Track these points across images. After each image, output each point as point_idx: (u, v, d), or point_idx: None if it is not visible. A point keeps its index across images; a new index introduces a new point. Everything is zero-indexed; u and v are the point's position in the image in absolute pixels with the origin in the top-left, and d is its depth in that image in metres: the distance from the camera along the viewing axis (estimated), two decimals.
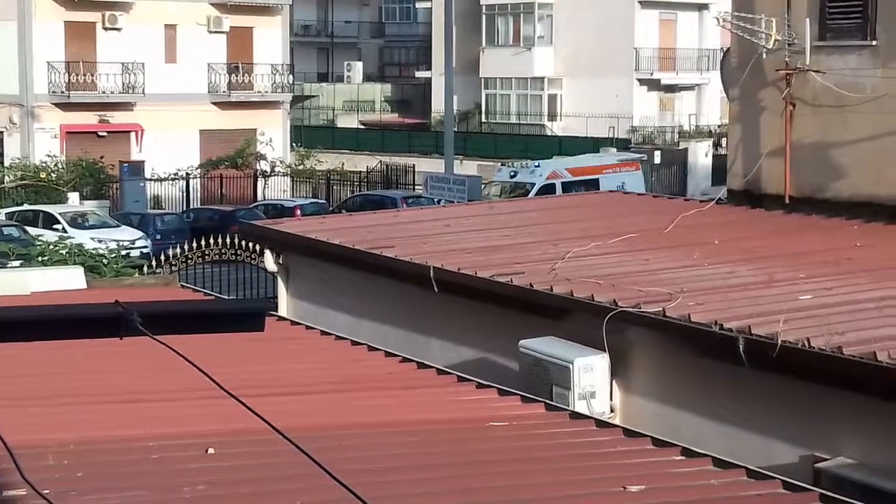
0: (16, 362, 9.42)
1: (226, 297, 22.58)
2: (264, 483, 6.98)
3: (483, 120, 68.42)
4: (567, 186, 40.18)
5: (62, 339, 3.27)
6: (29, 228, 36.35)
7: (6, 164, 47.27)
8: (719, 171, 45.46)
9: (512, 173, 42.56)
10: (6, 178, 45.95)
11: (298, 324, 12.69)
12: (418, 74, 77.32)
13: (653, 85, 66.65)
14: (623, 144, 57.74)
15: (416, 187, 49.80)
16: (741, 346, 10.46)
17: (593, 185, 39.72)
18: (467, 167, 52.51)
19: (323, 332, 12.01)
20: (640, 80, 65.92)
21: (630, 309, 11.61)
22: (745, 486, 7.30)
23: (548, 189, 39.83)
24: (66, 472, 6.99)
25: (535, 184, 41.02)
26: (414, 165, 53.80)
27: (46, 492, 6.06)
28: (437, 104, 63.53)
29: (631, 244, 15.05)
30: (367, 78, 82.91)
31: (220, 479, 7.05)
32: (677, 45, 67.15)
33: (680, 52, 67.13)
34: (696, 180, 55.45)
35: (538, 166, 42.68)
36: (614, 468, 7.63)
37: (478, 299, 13.64)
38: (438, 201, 36.13)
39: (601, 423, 8.81)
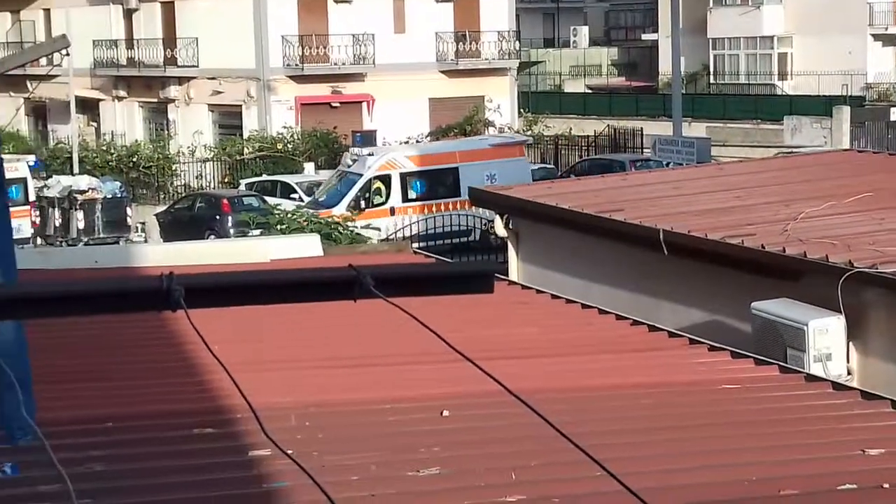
0: (256, 327, 9.74)
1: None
2: (498, 445, 7.08)
3: (711, 81, 67.39)
4: (410, 178, 34.85)
5: (298, 301, 3.38)
6: (267, 198, 37.30)
7: (245, 136, 48.59)
8: None
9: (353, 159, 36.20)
10: (245, 149, 47.26)
11: (528, 288, 12.78)
12: (644, 37, 76.53)
13: (888, 40, 64.57)
14: (857, 102, 56.15)
15: (644, 150, 49.38)
16: None
17: (448, 175, 34.78)
18: (696, 129, 51.81)
19: (553, 296, 12.07)
20: (874, 35, 63.96)
21: (867, 269, 11.36)
22: None
23: (383, 181, 34.57)
24: (308, 434, 7.21)
25: (361, 175, 34.81)
26: (642, 129, 53.32)
27: (290, 452, 6.28)
28: (665, 66, 62.77)
29: (866, 203, 14.69)
30: (594, 42, 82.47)
31: (455, 440, 7.17)
32: None
33: None
34: None
35: (370, 155, 35.85)
36: (852, 431, 7.50)
37: (708, 261, 13.52)
38: (667, 164, 35.75)
39: (838, 386, 8.66)
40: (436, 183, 34.79)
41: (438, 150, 36.87)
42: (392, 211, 34.03)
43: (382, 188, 34.44)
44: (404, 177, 34.70)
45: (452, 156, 35.49)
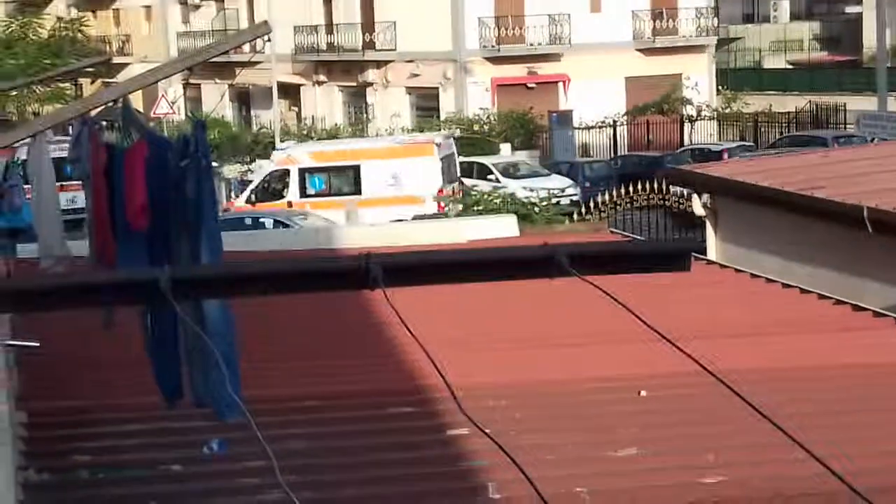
0: (451, 307, 9.82)
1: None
2: (697, 426, 7.01)
3: None
4: (309, 174, 35.37)
5: (494, 279, 3.40)
6: (465, 179, 37.51)
7: (442, 118, 48.94)
8: None
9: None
10: (442, 131, 47.63)
11: (727, 267, 12.62)
12: (848, 10, 74.63)
13: None
14: None
15: (848, 126, 48.20)
16: None
17: (349, 172, 35.11)
18: None
19: (752, 275, 11.90)
20: None
21: None
22: None
23: (280, 178, 35.45)
24: (505, 413, 7.24)
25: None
26: (845, 104, 52.05)
27: (488, 430, 6.32)
28: (869, 40, 61.15)
29: None
30: (794, 16, 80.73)
31: (653, 421, 7.13)
32: None
33: None
34: None
35: (279, 150, 37.18)
36: None
37: None
38: (872, 140, 34.87)
39: None
40: (336, 180, 35.55)
41: (340, 148, 37.43)
42: (289, 205, 34.66)
43: (288, 182, 35.48)
44: (303, 172, 35.37)
45: (354, 153, 35.83)
